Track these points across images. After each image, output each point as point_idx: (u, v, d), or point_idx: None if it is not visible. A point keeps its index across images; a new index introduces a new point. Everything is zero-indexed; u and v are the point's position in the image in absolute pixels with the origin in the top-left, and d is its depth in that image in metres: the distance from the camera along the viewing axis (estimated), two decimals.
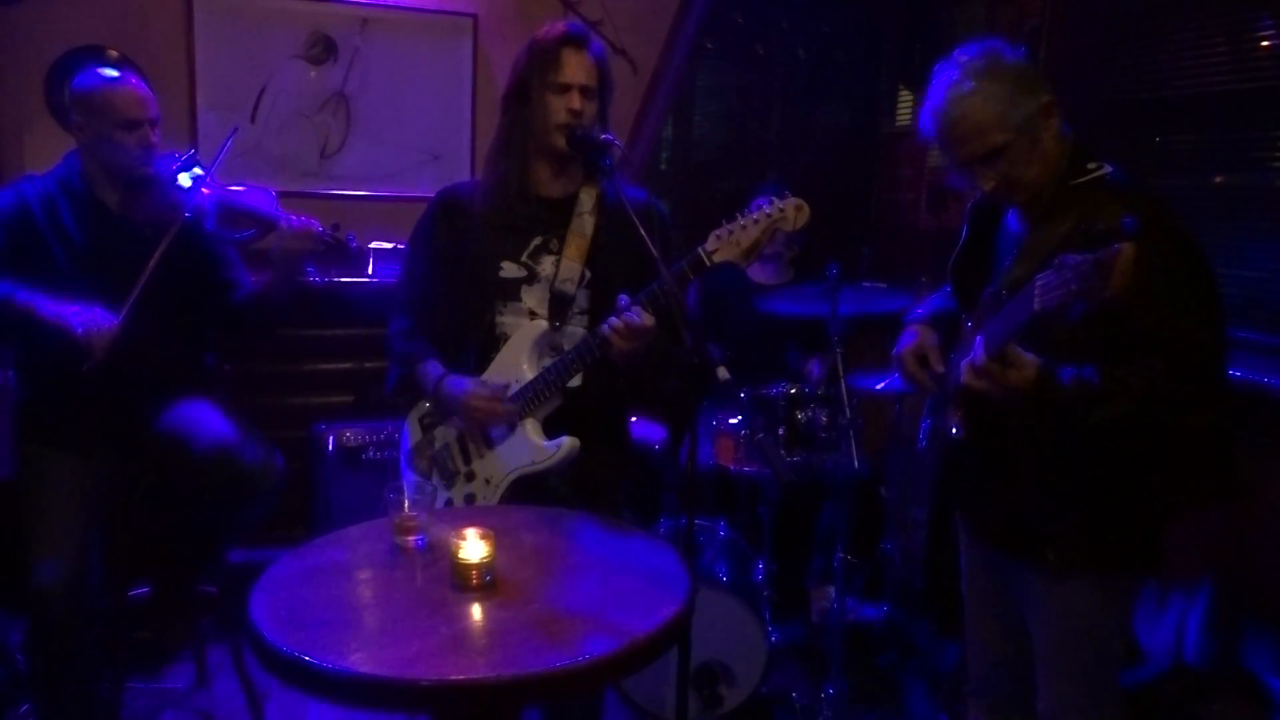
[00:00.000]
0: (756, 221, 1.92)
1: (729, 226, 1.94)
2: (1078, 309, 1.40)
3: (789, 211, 1.91)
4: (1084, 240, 1.36)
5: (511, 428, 2.09)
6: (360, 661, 1.31)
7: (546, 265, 2.12)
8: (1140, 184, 1.67)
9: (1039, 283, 1.43)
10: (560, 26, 2.07)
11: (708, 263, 1.94)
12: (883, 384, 3.11)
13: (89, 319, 2.17)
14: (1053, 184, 1.69)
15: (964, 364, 1.59)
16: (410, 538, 1.68)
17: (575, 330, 2.14)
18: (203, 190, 2.36)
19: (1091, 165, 1.68)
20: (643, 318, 1.91)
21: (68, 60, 3.23)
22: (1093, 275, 1.33)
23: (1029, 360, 1.53)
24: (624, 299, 1.94)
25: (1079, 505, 1.71)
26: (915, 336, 1.94)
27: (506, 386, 2.07)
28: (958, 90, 1.65)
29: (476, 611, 1.48)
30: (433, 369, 2.15)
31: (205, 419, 2.38)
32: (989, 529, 1.89)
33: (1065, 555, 1.72)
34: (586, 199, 2.14)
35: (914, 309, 2.06)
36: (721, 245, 1.93)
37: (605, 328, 1.95)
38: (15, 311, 2.17)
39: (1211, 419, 1.57)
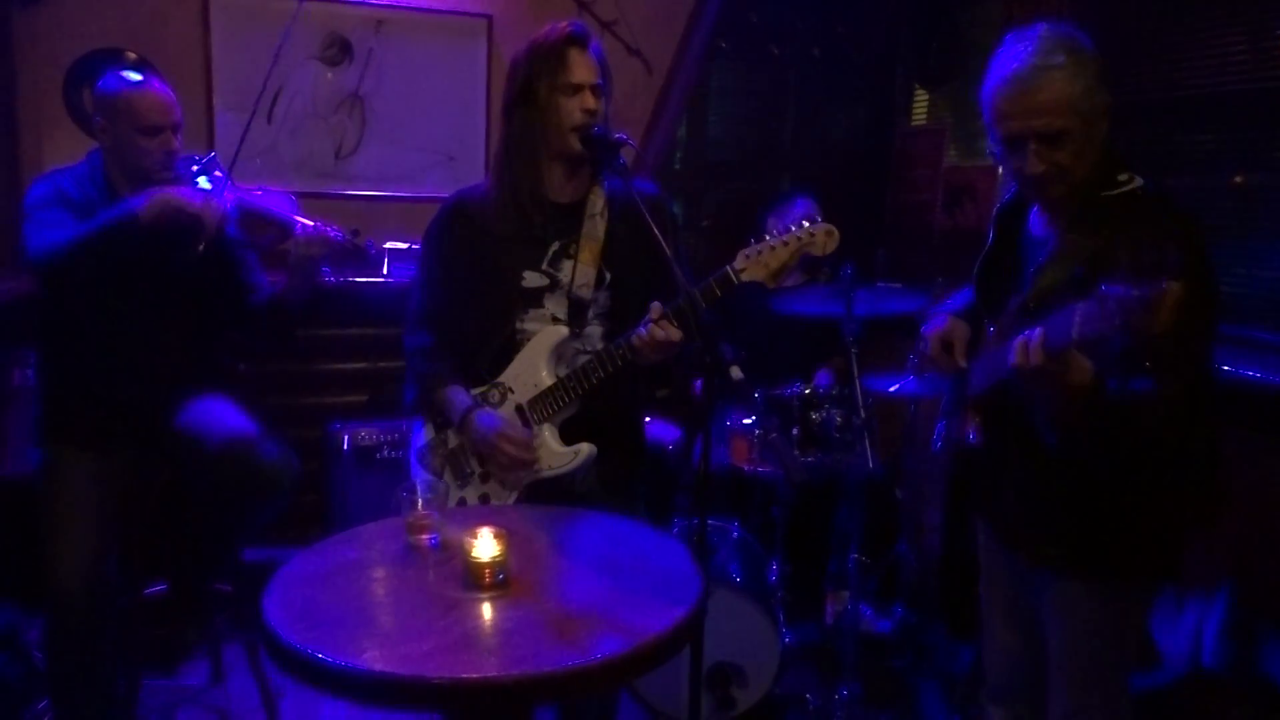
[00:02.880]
0: (786, 244, 1.92)
1: (758, 246, 1.94)
2: (1118, 343, 1.36)
3: (819, 237, 1.92)
4: (1130, 270, 1.31)
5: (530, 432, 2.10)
6: (373, 660, 1.31)
7: (566, 270, 2.11)
8: (1173, 201, 1.63)
9: (1079, 312, 1.37)
10: (562, 27, 2.03)
11: (735, 281, 1.94)
12: (897, 386, 3.09)
13: (204, 195, 2.24)
14: (1083, 190, 1.65)
15: (1017, 346, 1.51)
16: (423, 536, 1.68)
17: (593, 331, 2.13)
18: (224, 194, 2.38)
19: (1123, 177, 1.64)
20: (669, 332, 1.91)
21: (86, 62, 3.26)
22: (1139, 311, 1.28)
23: (1086, 365, 1.49)
24: (656, 306, 1.94)
25: (1093, 510, 1.69)
26: (945, 323, 1.92)
27: (533, 437, 2.08)
28: (1047, 59, 1.59)
29: (489, 610, 1.48)
30: (459, 397, 2.12)
31: (222, 417, 2.40)
32: (1005, 531, 1.88)
33: (1079, 560, 1.71)
34: (596, 200, 2.13)
35: (944, 301, 2.03)
36: (750, 265, 1.93)
37: (633, 338, 1.95)
38: (143, 216, 2.17)
39: (1196, 449, 1.57)
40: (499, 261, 2.10)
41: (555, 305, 2.12)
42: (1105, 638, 1.74)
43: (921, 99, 4.21)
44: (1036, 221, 1.79)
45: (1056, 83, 1.58)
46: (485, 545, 1.52)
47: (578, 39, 2.03)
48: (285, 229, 2.36)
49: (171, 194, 2.21)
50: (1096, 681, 1.75)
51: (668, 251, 1.83)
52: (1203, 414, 1.57)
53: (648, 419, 3.40)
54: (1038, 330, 1.47)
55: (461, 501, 2.17)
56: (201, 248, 2.25)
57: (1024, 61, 1.61)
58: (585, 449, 2.06)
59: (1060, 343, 1.44)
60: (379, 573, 1.64)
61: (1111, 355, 1.47)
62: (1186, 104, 2.97)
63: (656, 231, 1.83)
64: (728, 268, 1.94)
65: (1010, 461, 1.80)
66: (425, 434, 2.25)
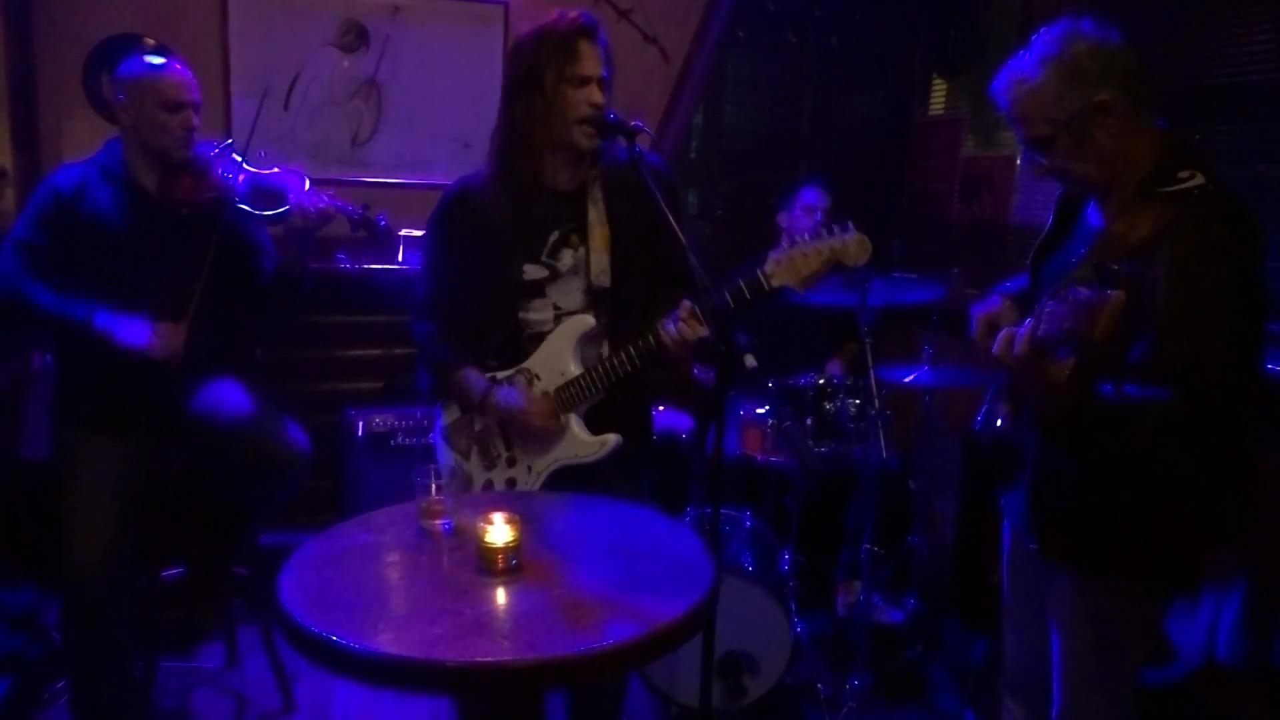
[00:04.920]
0: (819, 252, 1.90)
1: (789, 251, 1.92)
2: (1065, 352, 1.38)
3: (851, 247, 1.90)
4: (1095, 277, 1.32)
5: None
6: (387, 642, 1.32)
7: (566, 259, 2.11)
8: (1230, 204, 1.57)
9: (1047, 308, 1.39)
10: (573, 16, 2.01)
11: (766, 286, 1.92)
12: (911, 376, 3.08)
13: (158, 340, 2.29)
14: (1136, 186, 1.62)
15: (1001, 339, 1.51)
16: (437, 521, 1.69)
17: (605, 319, 2.14)
18: (239, 177, 2.41)
19: (1184, 174, 1.60)
20: (697, 330, 1.91)
21: (105, 49, 3.28)
22: (1081, 317, 1.30)
23: (1063, 364, 1.47)
24: (686, 305, 1.93)
25: (1105, 509, 1.68)
26: (997, 305, 1.89)
27: (568, 399, 2.08)
28: (1017, 73, 1.64)
29: (502, 595, 1.48)
30: (476, 379, 2.13)
31: (236, 401, 2.42)
32: (1021, 519, 1.87)
33: (1085, 555, 1.70)
34: (595, 185, 2.12)
35: (1002, 283, 2.01)
36: (779, 270, 1.92)
37: (663, 334, 1.95)
38: (94, 335, 2.28)
39: (1194, 466, 1.52)
40: (499, 253, 2.10)
41: (557, 295, 2.12)
42: (1106, 637, 1.72)
43: (939, 88, 4.18)
44: (1093, 210, 1.76)
45: (1021, 96, 1.63)
46: (498, 530, 1.53)
47: (588, 30, 2.01)
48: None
49: (121, 336, 2.28)
50: (1095, 680, 1.73)
51: (673, 223, 1.82)
52: (1234, 431, 1.53)
53: (661, 408, 3.42)
54: (1027, 324, 1.47)
55: (488, 484, 2.18)
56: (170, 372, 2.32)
57: (1004, 76, 1.67)
58: (612, 439, 2.08)
59: (1034, 339, 1.44)
60: (393, 557, 1.65)
61: (1093, 359, 1.45)
62: (1208, 94, 2.94)
63: (661, 202, 1.82)
64: (758, 272, 1.93)
65: (1029, 450, 1.79)
66: (449, 415, 2.25)
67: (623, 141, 1.97)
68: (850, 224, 1.93)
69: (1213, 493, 1.64)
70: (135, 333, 2.29)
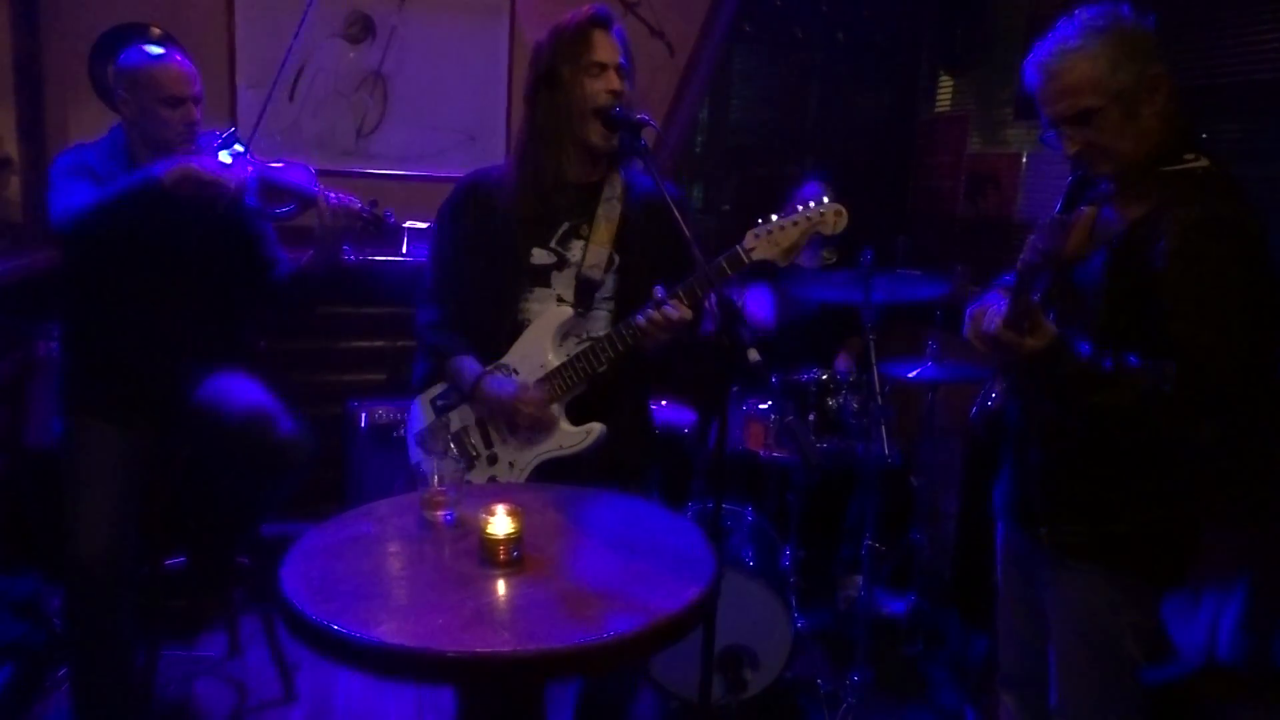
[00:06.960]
0: (795, 223, 1.93)
1: (767, 225, 1.95)
2: (1042, 283, 1.43)
3: (829, 216, 1.93)
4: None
5: None
6: (388, 632, 1.33)
7: (575, 250, 2.10)
8: (1233, 186, 1.60)
9: (1027, 241, 1.45)
10: (585, 9, 2.04)
11: (746, 260, 1.95)
12: (915, 372, 3.08)
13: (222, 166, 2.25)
14: (1143, 165, 1.62)
15: (988, 315, 1.56)
16: (439, 513, 1.69)
17: (599, 315, 2.13)
18: (245, 170, 2.39)
19: (1189, 156, 1.62)
20: (680, 311, 1.91)
21: (111, 37, 3.28)
22: (1057, 234, 1.36)
23: (1048, 328, 1.51)
24: (660, 290, 1.93)
25: (1098, 498, 1.68)
26: (988, 303, 1.91)
27: (550, 391, 2.07)
28: (1064, 44, 1.62)
29: (503, 586, 1.49)
30: (469, 365, 2.12)
31: (241, 393, 2.42)
32: (1010, 501, 1.87)
33: (1080, 547, 1.70)
34: (614, 184, 2.12)
35: (1004, 275, 2.02)
36: (760, 244, 1.94)
37: (640, 318, 1.94)
38: (163, 184, 2.16)
39: (1215, 435, 1.51)
40: (509, 237, 2.10)
41: (562, 285, 2.11)
42: (1099, 630, 1.72)
43: (945, 85, 4.17)
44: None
45: (1072, 65, 1.60)
46: (500, 522, 1.53)
47: (600, 20, 2.03)
48: (306, 200, 2.37)
49: (192, 162, 2.22)
50: (1090, 674, 1.73)
51: (693, 245, 1.83)
52: (1212, 413, 1.53)
53: (664, 403, 3.42)
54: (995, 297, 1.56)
55: (467, 484, 2.17)
56: (220, 210, 2.27)
57: (1045, 49, 1.64)
58: (596, 428, 2.07)
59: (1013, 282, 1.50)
60: (395, 547, 1.65)
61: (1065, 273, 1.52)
62: (1216, 93, 2.93)
63: (682, 224, 1.83)
64: (738, 247, 1.95)
65: (1020, 432, 1.80)
66: (425, 417, 2.24)
67: (634, 141, 1.98)
68: (825, 196, 1.97)
69: (1214, 473, 1.65)
70: (205, 162, 2.23)
